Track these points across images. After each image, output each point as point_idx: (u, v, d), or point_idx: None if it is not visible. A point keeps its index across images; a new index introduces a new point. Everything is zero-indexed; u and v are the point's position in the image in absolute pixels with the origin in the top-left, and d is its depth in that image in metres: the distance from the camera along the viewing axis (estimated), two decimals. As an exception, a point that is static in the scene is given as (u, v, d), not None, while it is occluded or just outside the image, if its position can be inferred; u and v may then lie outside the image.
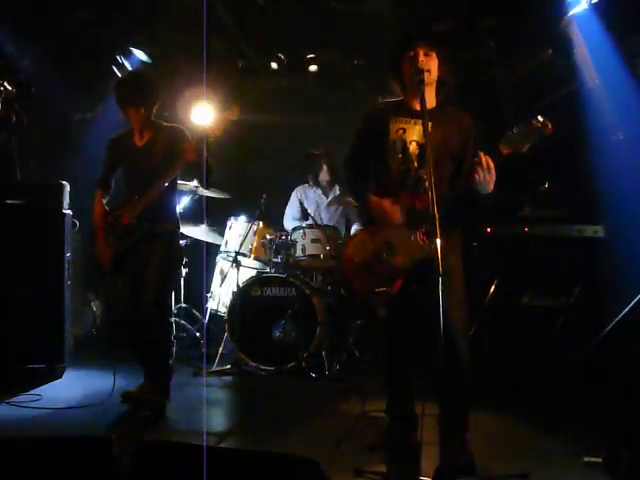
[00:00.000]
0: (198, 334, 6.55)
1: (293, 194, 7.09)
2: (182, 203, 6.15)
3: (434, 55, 3.67)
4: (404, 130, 3.70)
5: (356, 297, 5.49)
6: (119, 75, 6.40)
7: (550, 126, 3.38)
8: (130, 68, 6.82)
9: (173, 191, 4.67)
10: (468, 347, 3.64)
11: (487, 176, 3.39)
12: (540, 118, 3.39)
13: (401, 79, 3.77)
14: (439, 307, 3.16)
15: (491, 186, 3.45)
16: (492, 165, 3.39)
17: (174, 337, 6.20)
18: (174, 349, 6.11)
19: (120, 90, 4.64)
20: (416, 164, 3.66)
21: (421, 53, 3.63)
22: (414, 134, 3.67)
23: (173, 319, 6.25)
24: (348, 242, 3.96)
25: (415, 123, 3.67)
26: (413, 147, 3.66)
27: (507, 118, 6.42)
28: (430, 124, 3.53)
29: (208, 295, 6.71)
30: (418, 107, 3.68)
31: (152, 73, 4.93)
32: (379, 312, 3.83)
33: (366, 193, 3.77)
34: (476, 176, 3.39)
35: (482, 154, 3.41)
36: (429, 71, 3.60)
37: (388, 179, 3.71)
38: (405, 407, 3.91)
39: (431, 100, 3.66)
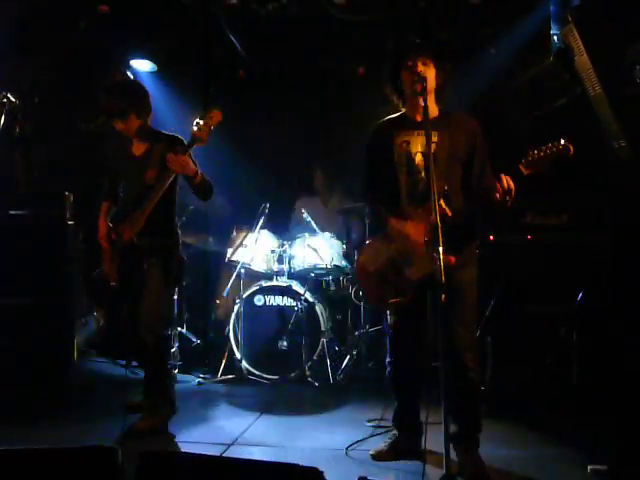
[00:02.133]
0: (202, 344, 6.56)
1: (296, 205, 7.12)
2: (185, 213, 6.15)
3: (431, 64, 3.67)
4: (408, 142, 3.71)
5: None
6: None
7: (572, 150, 3.37)
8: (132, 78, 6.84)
9: (172, 204, 4.61)
10: (478, 364, 3.66)
11: (507, 196, 3.40)
12: (562, 141, 3.38)
13: (399, 90, 3.78)
14: (449, 320, 3.17)
15: (509, 205, 3.46)
16: (513, 186, 3.39)
17: (178, 347, 6.20)
18: (179, 359, 6.12)
19: (106, 100, 4.51)
20: (423, 174, 3.66)
21: (419, 63, 3.64)
22: (418, 145, 3.68)
23: (177, 330, 6.25)
24: (361, 250, 3.95)
25: (418, 134, 3.68)
26: (418, 158, 3.67)
27: (510, 127, 6.43)
28: (436, 133, 3.55)
29: (212, 305, 6.72)
30: (419, 118, 3.70)
31: (137, 82, 4.86)
32: (390, 323, 3.84)
33: (385, 214, 3.75)
34: (497, 195, 3.40)
35: (503, 176, 3.41)
36: (425, 79, 3.58)
37: (397, 192, 3.73)
38: (411, 416, 3.92)
39: (432, 109, 3.65)
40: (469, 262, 3.67)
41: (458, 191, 3.62)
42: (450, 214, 3.41)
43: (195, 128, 4.25)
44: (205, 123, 4.23)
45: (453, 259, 3.29)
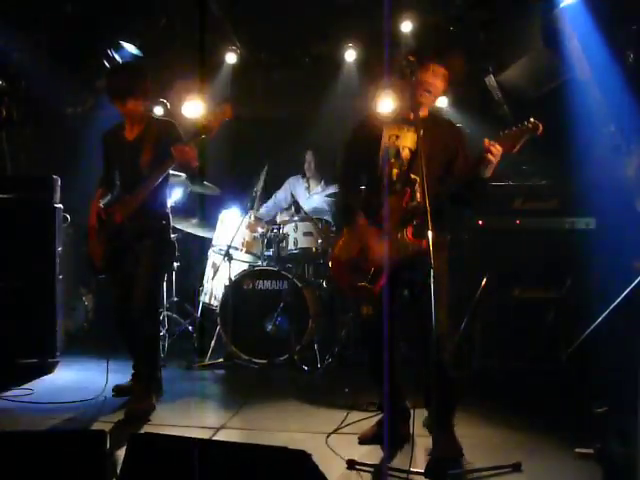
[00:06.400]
0: (190, 328, 6.55)
1: (286, 183, 7.19)
2: (174, 196, 6.13)
3: (441, 72, 3.68)
4: (397, 137, 3.76)
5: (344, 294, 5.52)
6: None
7: (541, 128, 3.45)
8: (121, 61, 6.79)
9: (164, 187, 4.62)
10: (451, 348, 3.67)
11: (497, 157, 3.45)
12: (532, 120, 3.48)
13: (403, 86, 3.77)
14: (424, 307, 3.16)
15: (492, 169, 3.50)
16: (500, 148, 3.44)
17: (166, 331, 6.20)
18: (166, 343, 6.13)
19: (111, 81, 4.57)
20: (406, 167, 3.69)
21: (430, 72, 3.65)
22: (407, 140, 3.73)
23: (165, 313, 6.25)
24: (335, 242, 3.97)
25: (408, 130, 3.73)
26: (405, 153, 3.73)
27: (499, 113, 6.45)
28: (422, 132, 3.56)
29: (200, 289, 6.71)
30: (411, 116, 3.71)
31: (142, 65, 4.87)
32: (363, 310, 3.83)
33: (355, 210, 3.77)
34: (488, 155, 3.43)
35: (487, 140, 3.46)
36: (431, 91, 3.65)
37: (378, 184, 3.73)
38: (397, 401, 3.92)
39: (423, 109, 3.71)
40: (440, 251, 3.66)
41: (432, 187, 3.62)
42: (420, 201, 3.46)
43: (205, 121, 4.28)
44: (215, 117, 4.27)
45: (425, 242, 3.29)
